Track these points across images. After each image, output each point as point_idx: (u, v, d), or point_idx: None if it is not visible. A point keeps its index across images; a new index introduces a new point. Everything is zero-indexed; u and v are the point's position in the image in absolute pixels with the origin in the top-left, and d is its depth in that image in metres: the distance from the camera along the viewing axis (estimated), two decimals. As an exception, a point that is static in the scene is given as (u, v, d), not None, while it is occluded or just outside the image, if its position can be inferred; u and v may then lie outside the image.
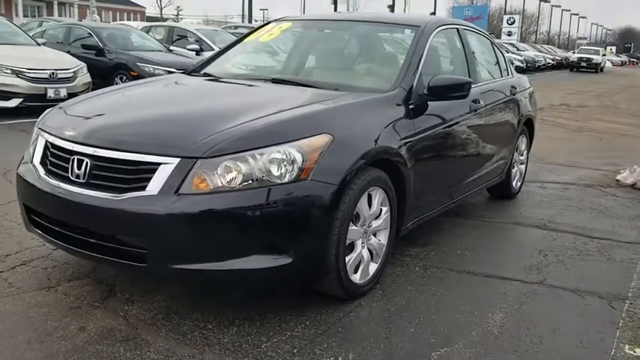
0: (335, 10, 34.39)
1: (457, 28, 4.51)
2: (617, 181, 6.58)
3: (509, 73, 5.44)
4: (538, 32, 74.69)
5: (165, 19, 57.18)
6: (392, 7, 40.89)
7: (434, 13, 48.78)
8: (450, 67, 4.34)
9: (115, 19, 52.56)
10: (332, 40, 4.23)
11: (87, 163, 2.71)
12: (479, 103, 4.30)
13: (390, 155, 3.16)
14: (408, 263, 3.70)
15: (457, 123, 3.95)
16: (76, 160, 2.75)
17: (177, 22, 43.49)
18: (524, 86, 5.63)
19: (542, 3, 70.93)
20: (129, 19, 50.43)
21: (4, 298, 2.96)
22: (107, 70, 10.96)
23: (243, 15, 57.85)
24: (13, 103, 8.34)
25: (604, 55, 43.47)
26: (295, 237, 2.68)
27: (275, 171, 2.62)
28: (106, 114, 3.08)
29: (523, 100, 5.42)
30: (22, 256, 3.51)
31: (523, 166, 5.77)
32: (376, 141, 3.06)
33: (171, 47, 12.98)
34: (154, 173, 2.58)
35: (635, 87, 26.73)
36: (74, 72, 9.09)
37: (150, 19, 56.82)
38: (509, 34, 54.98)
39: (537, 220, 4.85)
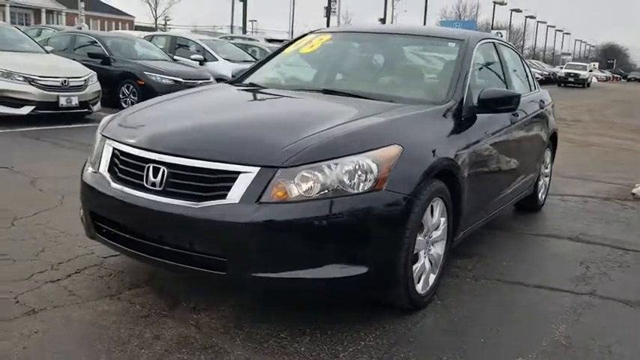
0: (328, 22, 34.64)
1: (494, 42, 4.58)
2: (633, 194, 6.69)
3: (536, 87, 5.53)
4: (524, 47, 75.80)
5: (154, 29, 57.08)
6: (383, 21, 41.25)
7: (423, 27, 49.35)
8: (490, 80, 4.40)
9: (102, 28, 52.40)
10: (376, 52, 4.27)
11: (163, 171, 2.71)
12: (517, 116, 4.37)
13: (450, 166, 3.20)
14: (457, 274, 3.73)
15: (501, 135, 4.01)
16: (151, 168, 2.75)
17: (165, 31, 43.58)
18: (549, 100, 5.73)
19: (527, 19, 72.07)
20: (117, 28, 50.25)
21: (70, 307, 2.93)
22: (113, 78, 10.90)
23: (232, 26, 58.03)
24: (25, 110, 8.26)
25: (590, 70, 44.20)
26: (370, 247, 2.69)
27: (350, 181, 2.63)
28: (176, 122, 3.08)
29: (550, 114, 5.52)
30: (75, 264, 3.48)
31: (547, 179, 5.85)
32: (438, 152, 3.10)
33: (175, 57, 12.95)
34: (233, 182, 2.59)
35: (624, 102, 27.21)
36: (85, 80, 9.04)
37: (138, 28, 56.63)
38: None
39: (569, 233, 4.90)
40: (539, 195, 5.56)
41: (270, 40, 21.80)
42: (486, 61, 4.43)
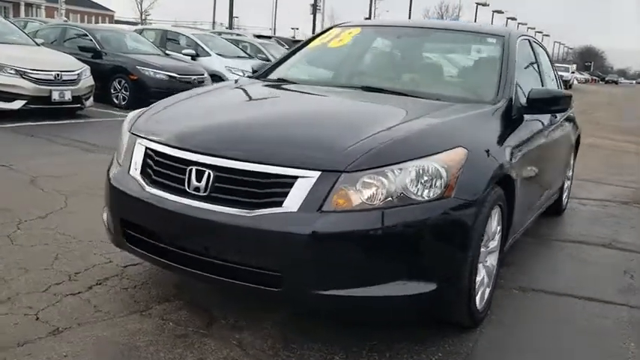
0: (314, 21, 34.31)
1: (529, 40, 4.37)
2: (649, 198, 6.56)
3: (561, 87, 5.34)
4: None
5: (135, 24, 56.07)
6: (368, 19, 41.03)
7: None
8: (529, 78, 4.19)
9: (82, 22, 51.30)
10: (413, 48, 4.02)
11: (209, 174, 2.42)
12: (556, 117, 4.17)
13: (508, 171, 2.96)
14: (501, 285, 3.50)
15: (543, 137, 3.80)
16: (194, 170, 2.46)
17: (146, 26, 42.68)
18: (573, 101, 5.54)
19: (509, 20, 72.53)
20: (97, 23, 49.27)
21: (97, 324, 2.64)
22: (105, 73, 10.47)
23: (214, 22, 57.30)
24: (17, 105, 7.85)
25: (573, 72, 44.55)
26: (440, 260, 2.45)
27: (416, 187, 2.38)
28: (218, 120, 2.79)
29: (575, 116, 5.34)
30: (94, 274, 3.17)
31: (569, 182, 5.68)
32: (498, 156, 2.87)
33: (166, 51, 12.55)
34: (290, 187, 2.32)
35: (612, 104, 27.42)
36: (78, 74, 8.65)
37: (119, 23, 55.60)
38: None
39: (599, 239, 4.72)
40: (564, 198, 5.38)
41: (258, 37, 21.35)
42: (524, 58, 4.21)
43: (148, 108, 3.06)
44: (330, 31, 4.29)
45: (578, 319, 3.15)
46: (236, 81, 3.79)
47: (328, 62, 4.10)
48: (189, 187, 2.46)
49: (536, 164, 3.68)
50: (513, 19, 72.08)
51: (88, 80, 8.87)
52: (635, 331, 3.04)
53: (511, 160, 3.03)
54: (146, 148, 2.68)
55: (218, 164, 2.42)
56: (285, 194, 2.31)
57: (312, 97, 3.38)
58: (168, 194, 2.50)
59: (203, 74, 11.38)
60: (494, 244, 2.97)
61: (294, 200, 2.29)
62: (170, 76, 10.66)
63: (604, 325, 3.11)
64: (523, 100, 3.43)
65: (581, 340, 2.91)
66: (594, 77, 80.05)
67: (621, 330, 3.05)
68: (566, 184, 5.46)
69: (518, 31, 4.24)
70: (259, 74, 3.97)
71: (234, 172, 2.40)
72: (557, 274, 3.83)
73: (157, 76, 10.55)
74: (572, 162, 5.52)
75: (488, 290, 2.99)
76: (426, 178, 2.40)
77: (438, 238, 2.42)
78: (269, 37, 22.26)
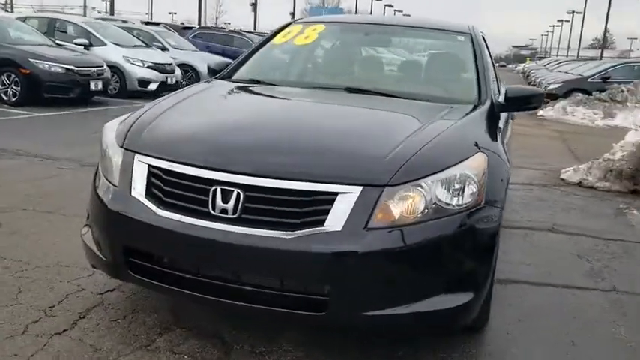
0: (199, 12, 33.23)
1: (483, 36, 4.46)
2: (563, 179, 7.05)
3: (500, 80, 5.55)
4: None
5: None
6: (254, 5, 40.49)
7: (293, 14, 49.33)
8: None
9: None
10: (385, 46, 3.95)
11: (238, 194, 2.21)
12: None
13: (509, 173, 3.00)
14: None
15: (509, 133, 3.92)
16: (218, 191, 2.24)
17: (9, 11, 38.99)
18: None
19: (386, 7, 74.89)
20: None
21: (105, 367, 2.34)
22: (-10, 66, 9.44)
23: (85, 6, 53.73)
24: None
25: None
26: (476, 268, 2.42)
27: (451, 196, 2.33)
28: (234, 134, 2.55)
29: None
30: (72, 306, 2.83)
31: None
32: (504, 157, 2.88)
33: (57, 41, 11.52)
34: (330, 204, 2.18)
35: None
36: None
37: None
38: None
39: (543, 224, 4.98)
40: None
41: (146, 24, 20.25)
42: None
43: (132, 117, 2.73)
44: (291, 27, 4.09)
45: (569, 310, 3.28)
46: (208, 81, 3.50)
47: (301, 61, 3.93)
48: (214, 210, 2.23)
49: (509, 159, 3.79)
50: (390, 6, 74.51)
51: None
52: (619, 316, 3.24)
53: (508, 159, 3.07)
54: (149, 166, 2.39)
55: (248, 183, 2.21)
56: (326, 212, 2.17)
57: (318, 104, 3.22)
58: (188, 218, 2.25)
59: (102, 66, 10.61)
60: (494, 244, 3.01)
61: (337, 218, 2.16)
62: (67, 68, 9.81)
63: (590, 311, 3.28)
64: (499, 98, 3.49)
65: (579, 331, 3.03)
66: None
67: (606, 314, 3.23)
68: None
69: (476, 27, 4.31)
70: (226, 74, 3.71)
71: (267, 191, 2.21)
72: (527, 263, 3.98)
73: (53, 69, 9.66)
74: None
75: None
76: (458, 186, 2.35)
77: (474, 246, 2.39)
78: (157, 24, 21.20)
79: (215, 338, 2.63)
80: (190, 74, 14.68)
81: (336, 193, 2.19)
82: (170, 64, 12.97)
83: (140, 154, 2.45)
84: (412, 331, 2.58)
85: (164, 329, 2.68)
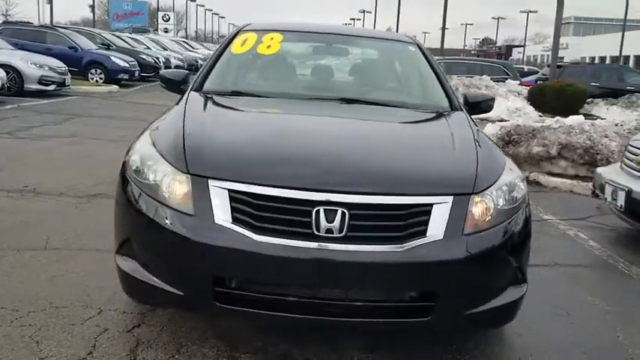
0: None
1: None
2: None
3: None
4: (188, 29, 77.29)
5: None
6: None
7: (93, 6, 46.02)
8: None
9: None
10: (351, 56, 4.08)
11: (343, 213, 2.24)
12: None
13: None
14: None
15: None
16: (321, 211, 2.24)
17: None
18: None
19: (189, 2, 73.56)
20: None
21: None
22: None
23: None
24: None
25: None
26: (526, 258, 2.70)
27: (510, 199, 2.57)
28: (318, 152, 2.58)
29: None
30: (109, 349, 2.58)
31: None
32: None
33: None
34: (427, 215, 2.32)
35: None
36: None
37: None
38: (166, 30, 55.32)
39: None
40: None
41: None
42: None
43: (176, 141, 2.55)
44: (244, 35, 3.98)
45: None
46: (209, 98, 3.31)
47: (276, 72, 3.88)
48: (318, 230, 2.24)
49: None
50: (202, 5, 73.63)
51: None
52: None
53: None
54: (230, 190, 2.30)
55: (353, 201, 2.26)
56: (424, 222, 2.31)
57: (345, 118, 3.29)
58: (290, 240, 2.22)
59: None
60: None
61: (436, 227, 2.31)
62: None
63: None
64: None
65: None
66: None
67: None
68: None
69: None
70: (196, 86, 3.55)
71: (371, 207, 2.28)
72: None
73: None
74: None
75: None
76: (511, 188, 2.60)
77: (525, 239, 2.68)
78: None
79: (286, 358, 2.61)
80: (12, 75, 13.12)
81: (432, 204, 2.34)
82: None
83: (215, 179, 2.33)
84: (486, 325, 2.78)
85: (230, 357, 2.58)
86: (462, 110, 3.55)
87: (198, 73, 3.73)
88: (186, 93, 3.43)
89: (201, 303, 2.37)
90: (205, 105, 3.11)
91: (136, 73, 18.58)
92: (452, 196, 2.38)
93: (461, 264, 2.32)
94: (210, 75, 3.67)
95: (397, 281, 2.33)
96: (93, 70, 17.56)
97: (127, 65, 17.98)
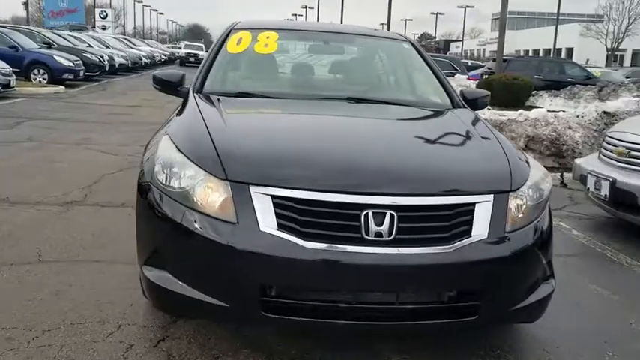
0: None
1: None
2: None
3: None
4: (126, 26, 75.11)
5: None
6: None
7: (26, 3, 44.18)
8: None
9: None
10: (349, 54, 4.04)
11: (392, 216, 2.22)
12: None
13: None
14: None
15: None
16: (370, 214, 2.21)
17: None
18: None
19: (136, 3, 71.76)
20: None
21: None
22: None
23: None
24: None
25: (205, 51, 47.10)
26: (552, 252, 2.75)
27: (538, 194, 2.60)
28: (357, 155, 2.53)
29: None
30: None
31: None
32: None
33: None
34: (470, 215, 2.33)
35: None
36: None
37: None
38: (104, 28, 53.60)
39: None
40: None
41: None
42: None
43: (208, 146, 2.46)
44: (237, 34, 3.89)
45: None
46: (219, 100, 3.19)
47: (279, 72, 3.81)
48: (367, 234, 2.20)
49: None
50: (139, 1, 71.75)
51: None
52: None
53: None
54: (273, 197, 2.23)
55: (401, 203, 2.24)
56: (468, 222, 2.31)
57: (363, 119, 3.27)
58: (340, 245, 2.18)
59: None
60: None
61: (481, 226, 2.31)
62: None
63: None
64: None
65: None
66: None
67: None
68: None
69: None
70: (197, 87, 3.44)
71: (418, 209, 2.26)
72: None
73: None
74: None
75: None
76: (537, 184, 2.64)
77: (550, 233, 2.73)
78: None
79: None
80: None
81: (474, 204, 2.35)
82: None
83: (256, 185, 2.25)
84: (524, 321, 2.77)
85: None
86: (464, 107, 3.59)
87: (196, 74, 3.62)
88: (190, 95, 3.33)
89: (247, 313, 2.29)
90: (220, 108, 3.00)
91: (81, 73, 17.87)
92: (492, 195, 2.39)
93: (506, 262, 2.34)
94: (209, 75, 3.57)
95: (446, 282, 2.32)
96: (36, 71, 16.77)
97: (71, 65, 17.27)
